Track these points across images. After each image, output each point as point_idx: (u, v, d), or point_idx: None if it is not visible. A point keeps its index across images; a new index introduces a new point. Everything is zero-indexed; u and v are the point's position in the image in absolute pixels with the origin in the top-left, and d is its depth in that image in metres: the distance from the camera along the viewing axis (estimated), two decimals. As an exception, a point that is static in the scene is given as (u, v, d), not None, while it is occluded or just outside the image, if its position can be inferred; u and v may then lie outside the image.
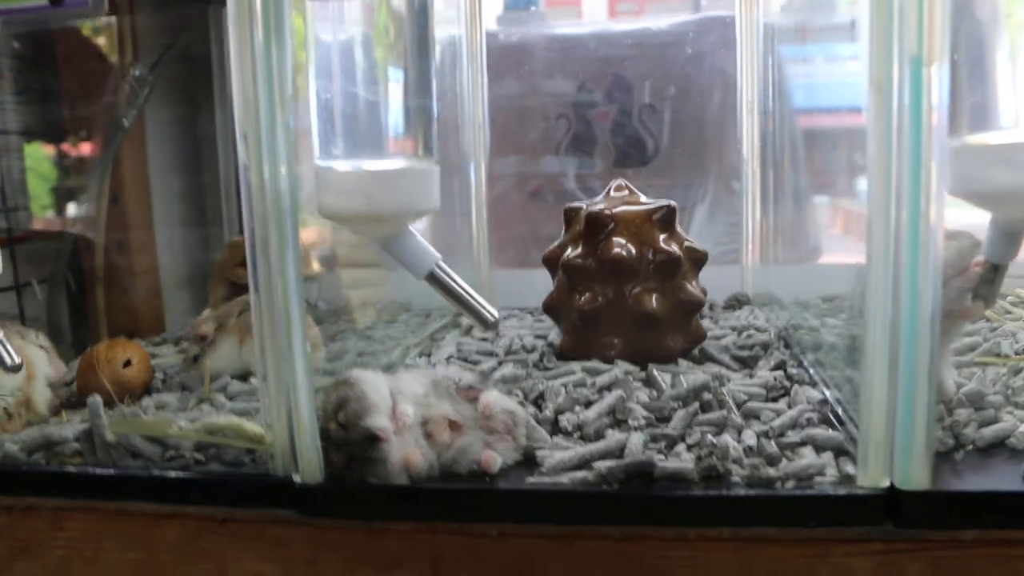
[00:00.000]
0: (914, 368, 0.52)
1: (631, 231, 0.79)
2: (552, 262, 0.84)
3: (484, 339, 0.94)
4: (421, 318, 1.04)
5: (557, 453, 0.61)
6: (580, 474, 0.59)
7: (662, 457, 0.59)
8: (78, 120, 1.08)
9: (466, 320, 1.02)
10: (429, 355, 0.89)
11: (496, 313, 0.63)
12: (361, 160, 0.60)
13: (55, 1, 0.60)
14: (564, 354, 0.83)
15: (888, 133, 0.52)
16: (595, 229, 0.80)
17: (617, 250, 0.78)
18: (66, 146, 1.08)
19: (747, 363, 0.81)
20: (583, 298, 0.80)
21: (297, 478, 0.61)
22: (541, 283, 0.90)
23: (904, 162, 0.51)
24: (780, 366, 0.77)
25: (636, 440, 0.62)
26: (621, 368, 0.76)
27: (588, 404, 0.69)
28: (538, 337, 0.93)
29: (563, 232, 0.86)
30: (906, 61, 0.51)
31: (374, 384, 0.63)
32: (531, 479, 0.59)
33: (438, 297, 0.64)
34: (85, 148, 1.09)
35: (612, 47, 1.35)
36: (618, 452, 0.61)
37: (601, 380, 0.74)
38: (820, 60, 1.03)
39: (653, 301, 0.78)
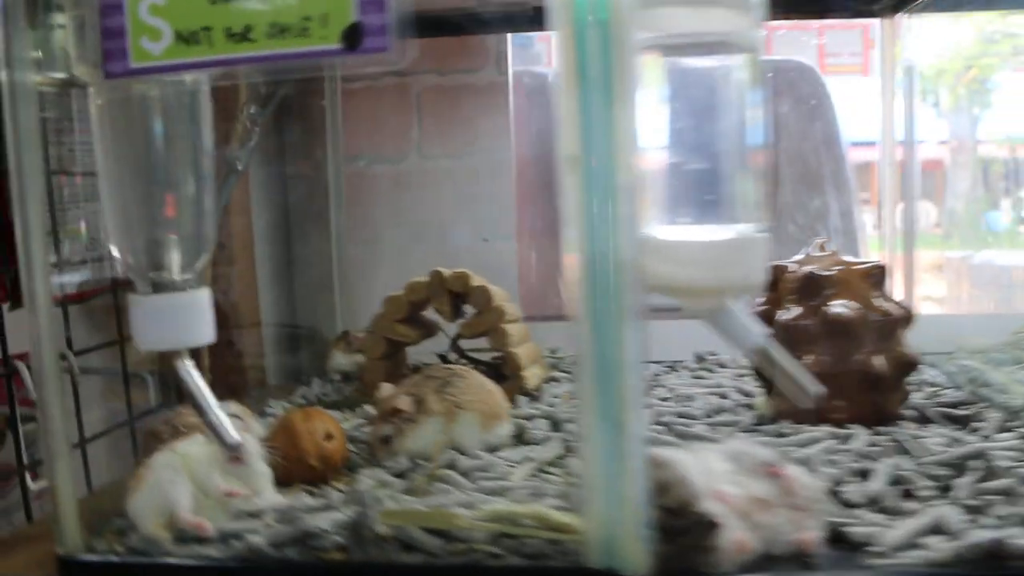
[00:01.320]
0: None
1: (851, 291, 0.78)
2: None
3: (666, 399, 0.90)
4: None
5: (888, 532, 0.58)
6: (918, 553, 0.56)
7: (1011, 534, 0.57)
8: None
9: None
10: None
11: (818, 386, 0.60)
12: (701, 227, 0.56)
13: (350, 44, 0.53)
14: (781, 416, 0.80)
15: None
16: (813, 290, 0.78)
17: (841, 311, 0.76)
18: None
19: (960, 422, 0.80)
20: (808, 360, 0.77)
21: (622, 570, 0.56)
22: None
23: None
24: (1006, 427, 0.76)
25: (952, 514, 0.60)
26: (863, 432, 0.74)
27: (863, 473, 0.67)
28: (712, 394, 0.90)
29: (767, 290, 0.83)
30: None
31: (686, 465, 0.59)
32: (876, 560, 0.56)
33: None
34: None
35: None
36: (938, 527, 0.59)
37: (855, 446, 0.72)
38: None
39: (879, 362, 0.77)
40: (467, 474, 0.70)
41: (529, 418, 0.82)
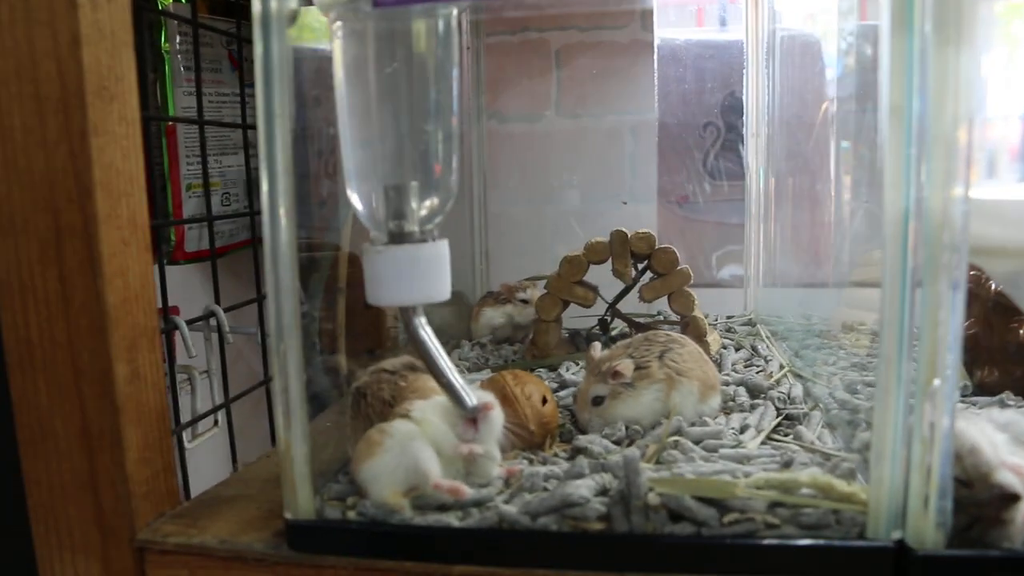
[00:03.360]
0: None
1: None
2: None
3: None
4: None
5: None
6: None
7: None
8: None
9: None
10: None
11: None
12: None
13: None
14: (984, 387, 0.78)
15: None
16: (1029, 256, 0.76)
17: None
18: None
19: None
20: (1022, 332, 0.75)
21: (913, 544, 0.54)
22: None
23: None
24: None
25: None
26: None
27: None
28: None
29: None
30: None
31: (974, 434, 0.56)
32: None
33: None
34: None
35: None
36: None
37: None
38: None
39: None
40: (699, 442, 0.67)
41: (726, 384, 0.79)
